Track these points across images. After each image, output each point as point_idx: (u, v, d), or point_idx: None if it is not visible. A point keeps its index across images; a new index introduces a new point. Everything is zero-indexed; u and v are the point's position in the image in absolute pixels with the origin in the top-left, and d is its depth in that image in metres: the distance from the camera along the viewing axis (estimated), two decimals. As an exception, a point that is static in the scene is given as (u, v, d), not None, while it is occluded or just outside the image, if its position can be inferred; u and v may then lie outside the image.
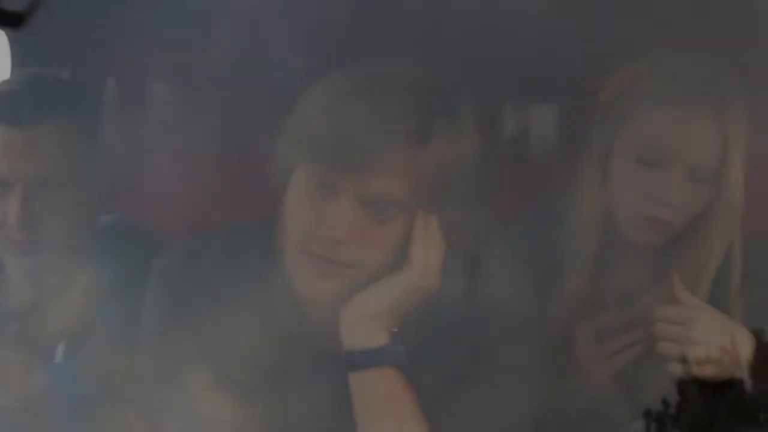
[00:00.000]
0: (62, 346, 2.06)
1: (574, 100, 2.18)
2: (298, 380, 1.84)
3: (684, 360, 1.83)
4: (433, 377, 1.83)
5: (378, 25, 2.18)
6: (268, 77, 2.00)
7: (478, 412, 1.83)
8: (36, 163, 2.03)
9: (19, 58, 2.27)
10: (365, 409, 1.80)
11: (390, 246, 1.80)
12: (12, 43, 2.26)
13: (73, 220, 2.07)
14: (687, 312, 1.86)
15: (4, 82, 2.13)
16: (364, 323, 1.79)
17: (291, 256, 1.81)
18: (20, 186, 2.02)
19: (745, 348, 1.82)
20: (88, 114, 2.12)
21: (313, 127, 1.78)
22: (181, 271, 1.87)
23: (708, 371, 1.81)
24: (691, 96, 1.92)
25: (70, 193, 2.06)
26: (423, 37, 2.14)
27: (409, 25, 2.16)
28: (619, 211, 1.96)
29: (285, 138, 1.83)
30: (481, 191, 1.84)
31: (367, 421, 1.80)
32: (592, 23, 2.16)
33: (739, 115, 1.93)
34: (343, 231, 1.76)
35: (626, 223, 1.96)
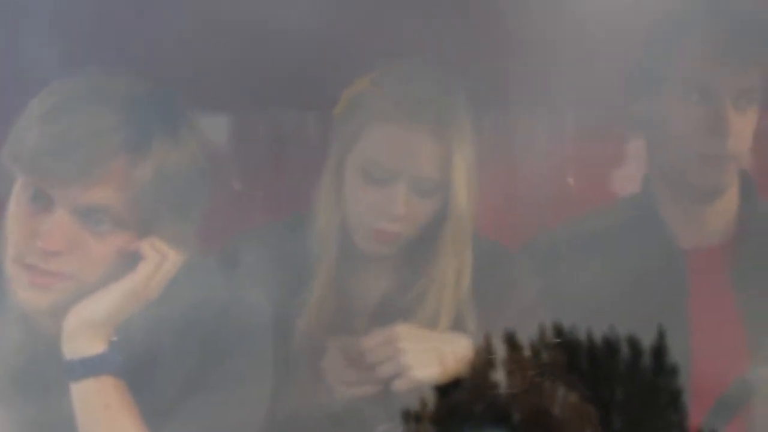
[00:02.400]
0: None
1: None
2: (33, 391, 1.84)
3: (402, 375, 1.86)
4: (163, 385, 1.83)
5: (112, 29, 2.17)
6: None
7: (208, 420, 1.84)
8: None
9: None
10: (86, 420, 1.80)
11: (108, 257, 1.80)
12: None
13: None
14: (389, 331, 1.89)
15: None
16: (81, 332, 1.79)
17: (9, 268, 1.81)
18: None
19: (461, 350, 1.85)
20: None
21: (29, 137, 1.78)
22: None
23: (431, 376, 1.84)
24: (412, 110, 1.94)
25: None
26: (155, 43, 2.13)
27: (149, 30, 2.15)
28: (352, 222, 1.99)
29: (5, 148, 1.83)
30: (201, 202, 1.85)
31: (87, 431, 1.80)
32: (352, 30, 2.18)
33: (462, 128, 1.95)
34: (57, 243, 1.77)
35: (358, 234, 1.99)
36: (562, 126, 2.53)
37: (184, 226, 1.84)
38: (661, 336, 0.99)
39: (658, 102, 2.11)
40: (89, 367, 1.79)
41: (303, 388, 1.98)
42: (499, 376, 1.04)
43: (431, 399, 1.17)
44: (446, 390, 1.14)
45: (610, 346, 1.00)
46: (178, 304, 1.84)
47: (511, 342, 1.05)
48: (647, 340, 1.00)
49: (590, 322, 1.03)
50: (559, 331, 1.03)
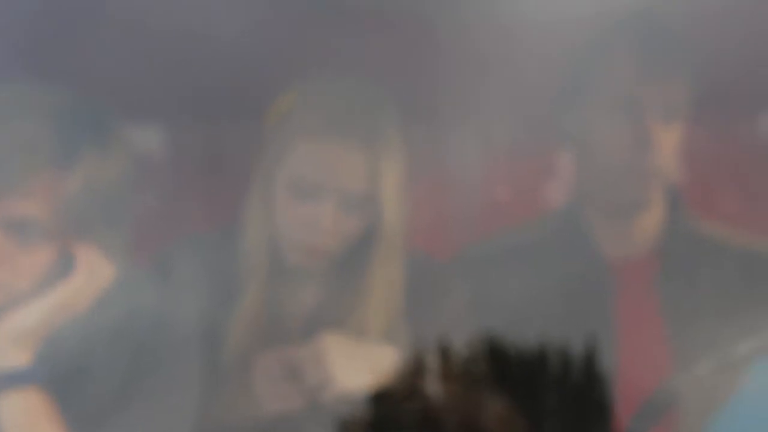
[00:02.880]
0: None
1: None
2: None
3: (329, 385, 1.87)
4: (94, 395, 1.83)
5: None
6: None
7: (137, 431, 1.84)
8: None
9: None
10: None
11: (37, 270, 1.79)
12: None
13: None
14: (318, 342, 1.90)
15: None
16: (7, 344, 1.78)
17: None
18: None
19: (391, 361, 1.86)
20: None
21: None
22: None
23: (359, 387, 1.85)
24: (340, 125, 1.95)
25: None
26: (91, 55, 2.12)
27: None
28: (281, 236, 1.99)
29: None
30: (130, 213, 1.85)
31: None
32: (284, 42, 2.19)
33: (390, 141, 1.97)
34: None
35: (287, 248, 1.99)
36: (492, 139, 2.55)
37: (113, 238, 1.83)
38: (591, 345, 1.01)
39: (584, 116, 2.14)
40: (14, 379, 1.78)
41: (232, 400, 1.98)
42: (432, 386, 1.05)
43: (364, 409, 1.18)
44: (379, 400, 1.15)
45: (541, 355, 1.02)
46: (109, 314, 1.84)
47: (444, 352, 1.07)
48: (574, 350, 1.01)
49: (519, 333, 1.05)
50: (491, 341, 1.04)
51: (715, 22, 2.19)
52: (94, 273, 1.82)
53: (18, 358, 1.78)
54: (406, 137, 2.01)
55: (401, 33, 2.23)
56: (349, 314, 1.99)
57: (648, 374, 1.77)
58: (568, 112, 2.16)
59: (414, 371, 1.15)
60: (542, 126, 2.24)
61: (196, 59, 2.15)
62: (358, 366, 1.88)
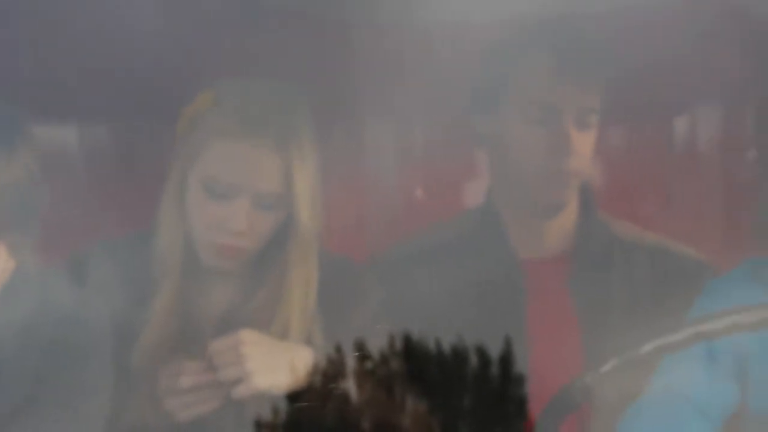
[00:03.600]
0: None
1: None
2: None
3: (244, 381, 1.86)
4: (3, 395, 1.80)
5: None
6: None
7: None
8: None
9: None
10: None
11: None
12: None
13: None
14: (236, 336, 1.89)
15: None
16: None
17: None
18: None
19: (306, 361, 1.86)
20: None
21: None
22: None
23: (274, 384, 1.84)
24: (253, 126, 1.94)
25: None
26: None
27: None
28: (195, 237, 1.98)
29: None
30: (37, 214, 1.83)
31: None
32: (198, 43, 2.18)
33: (304, 142, 1.97)
34: None
35: (201, 249, 1.98)
36: (410, 140, 2.57)
37: (21, 238, 1.81)
38: (505, 345, 1.01)
39: (501, 118, 2.15)
40: None
41: (145, 402, 1.96)
42: (349, 386, 1.06)
43: (283, 408, 1.18)
44: (296, 399, 1.15)
45: (458, 355, 1.02)
46: (19, 314, 1.82)
47: (361, 352, 1.07)
48: (489, 349, 1.02)
49: (436, 333, 1.05)
50: (407, 342, 1.04)
51: (630, 29, 2.22)
52: None
53: None
54: (322, 138, 2.01)
55: (318, 34, 2.23)
56: (265, 314, 1.98)
57: (561, 372, 1.79)
58: (484, 115, 2.17)
59: (331, 371, 1.15)
60: (459, 127, 2.25)
61: (110, 59, 2.13)
62: (275, 365, 1.87)
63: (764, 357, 1.93)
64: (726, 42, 2.40)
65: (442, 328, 1.05)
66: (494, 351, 1.07)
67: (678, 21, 2.27)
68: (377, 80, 2.25)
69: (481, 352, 1.03)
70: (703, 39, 2.35)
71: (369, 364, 1.05)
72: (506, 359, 1.01)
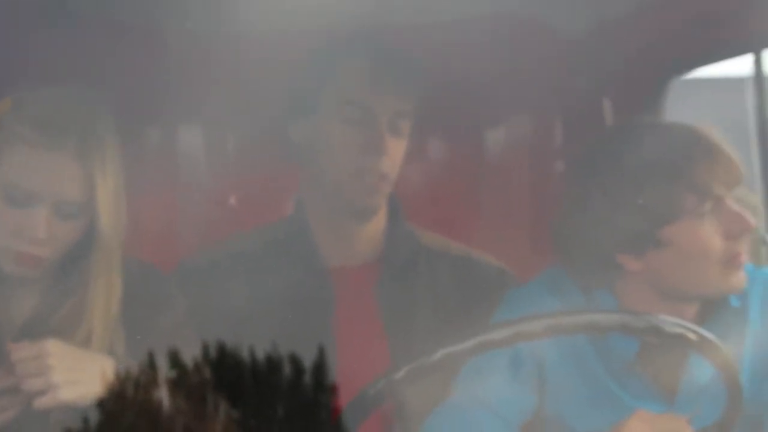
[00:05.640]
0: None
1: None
2: None
3: (48, 392, 1.83)
4: None
5: None
6: None
7: None
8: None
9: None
10: None
11: None
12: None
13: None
14: (41, 346, 1.86)
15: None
16: None
17: None
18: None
19: (111, 371, 1.83)
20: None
21: None
22: None
23: (78, 397, 1.81)
24: (53, 133, 1.91)
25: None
26: None
27: None
28: None
29: None
30: None
31: None
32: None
33: (106, 150, 1.94)
34: None
35: (1, 257, 1.94)
36: (224, 146, 2.55)
37: None
38: (316, 352, 1.02)
39: (316, 122, 2.16)
40: None
41: None
42: (156, 396, 1.05)
43: (88, 418, 1.16)
44: (103, 409, 1.13)
45: (267, 363, 1.03)
46: None
47: (172, 361, 1.06)
48: (301, 358, 1.03)
49: (242, 341, 1.05)
50: (219, 350, 1.04)
51: (443, 42, 2.27)
52: None
53: None
54: (132, 145, 1.98)
55: (129, 40, 2.21)
56: (69, 322, 1.95)
57: (367, 378, 1.81)
58: (299, 121, 2.18)
59: (138, 381, 1.14)
60: (273, 135, 2.26)
61: None
62: (82, 376, 1.84)
63: (561, 364, 1.98)
64: (533, 56, 2.47)
65: (251, 337, 1.05)
66: (305, 359, 1.07)
67: (489, 35, 2.32)
68: (190, 87, 2.23)
69: (290, 359, 1.04)
70: (513, 53, 2.41)
71: (180, 373, 1.04)
72: (319, 368, 1.02)
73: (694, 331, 1.76)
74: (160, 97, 2.33)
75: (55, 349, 1.86)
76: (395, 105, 2.17)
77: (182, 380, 1.14)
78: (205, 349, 1.40)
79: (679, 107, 2.53)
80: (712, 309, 2.00)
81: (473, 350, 1.65)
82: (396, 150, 2.17)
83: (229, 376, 1.07)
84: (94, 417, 1.71)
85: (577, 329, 1.78)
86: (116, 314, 1.96)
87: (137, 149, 2.15)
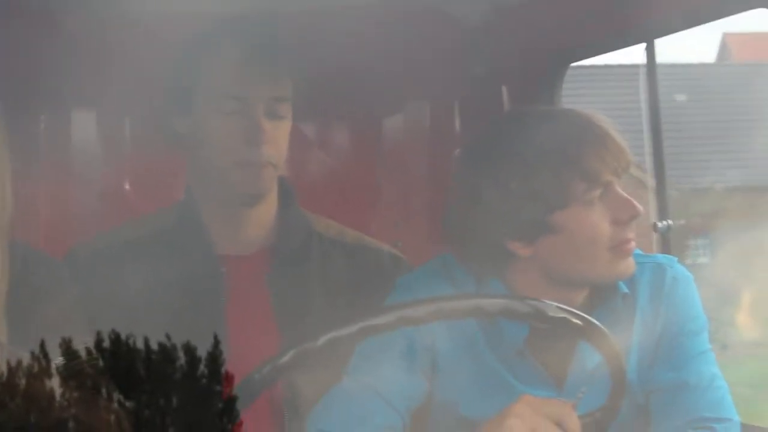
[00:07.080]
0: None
1: None
2: None
3: None
4: None
5: None
6: None
7: None
8: None
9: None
10: None
11: None
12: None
13: None
14: None
15: None
16: None
17: None
18: None
19: None
20: None
21: None
22: None
23: None
24: None
25: None
26: None
27: None
28: None
29: None
30: None
31: None
32: None
33: None
34: None
35: None
36: (114, 133, 2.52)
37: None
38: (216, 344, 1.01)
39: (196, 116, 2.14)
40: None
41: None
42: (44, 387, 1.03)
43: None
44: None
45: (160, 352, 1.01)
46: None
47: (65, 351, 1.04)
48: (191, 345, 1.02)
49: (133, 329, 1.04)
50: (111, 340, 1.03)
51: (333, 29, 2.26)
52: None
53: None
54: (24, 130, 1.96)
55: (23, 23, 2.17)
56: None
57: (258, 361, 1.80)
58: (180, 116, 2.16)
59: (22, 371, 1.12)
60: (160, 123, 2.23)
61: None
62: None
63: (453, 350, 1.99)
64: (430, 43, 2.47)
65: (143, 325, 1.03)
66: (197, 348, 1.06)
67: (384, 23, 2.32)
68: (83, 72, 2.20)
69: (183, 348, 1.03)
70: (410, 41, 2.41)
71: (73, 363, 1.03)
72: (212, 357, 1.01)
73: (578, 316, 1.78)
74: (52, 82, 2.29)
75: None
76: (271, 92, 2.15)
77: (72, 369, 1.12)
78: (97, 337, 1.38)
79: (575, 95, 2.55)
80: (602, 295, 2.02)
81: (357, 335, 1.65)
82: (278, 133, 2.16)
83: (129, 367, 1.05)
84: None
85: (461, 314, 1.78)
86: (2, 301, 1.91)
87: (28, 135, 2.12)
